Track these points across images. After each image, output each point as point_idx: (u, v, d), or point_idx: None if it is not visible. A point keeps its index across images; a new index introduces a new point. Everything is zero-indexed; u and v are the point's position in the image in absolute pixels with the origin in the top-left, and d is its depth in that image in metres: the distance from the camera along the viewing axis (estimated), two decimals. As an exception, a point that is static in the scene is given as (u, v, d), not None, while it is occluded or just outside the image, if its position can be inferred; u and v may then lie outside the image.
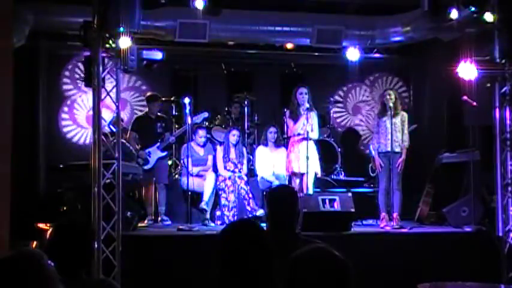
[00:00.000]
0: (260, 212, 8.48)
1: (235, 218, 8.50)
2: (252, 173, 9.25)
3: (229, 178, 8.70)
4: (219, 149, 9.06)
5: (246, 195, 8.63)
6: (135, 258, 6.77)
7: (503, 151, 7.61)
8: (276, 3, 9.35)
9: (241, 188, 8.65)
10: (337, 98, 11.55)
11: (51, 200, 8.78)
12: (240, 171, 8.85)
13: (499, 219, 7.54)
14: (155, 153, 8.87)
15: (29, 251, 2.32)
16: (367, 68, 11.32)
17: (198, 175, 8.82)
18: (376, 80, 11.87)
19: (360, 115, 11.83)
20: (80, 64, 9.82)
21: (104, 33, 6.56)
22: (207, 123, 9.85)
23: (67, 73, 10.74)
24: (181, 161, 8.92)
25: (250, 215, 8.51)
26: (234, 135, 8.95)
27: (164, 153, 8.99)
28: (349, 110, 11.81)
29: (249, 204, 8.58)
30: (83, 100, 10.68)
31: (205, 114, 9.32)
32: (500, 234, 7.51)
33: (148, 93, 9.45)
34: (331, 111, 10.83)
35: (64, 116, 10.75)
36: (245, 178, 8.81)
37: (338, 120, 11.59)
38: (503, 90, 7.61)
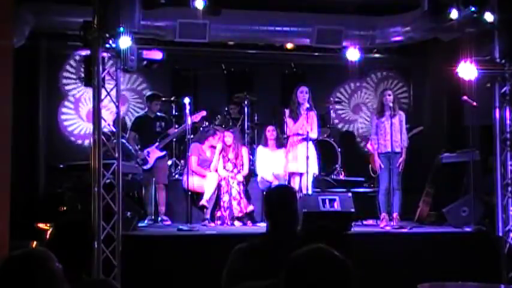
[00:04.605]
0: (250, 208, 8.54)
1: (228, 218, 8.52)
2: (252, 173, 9.25)
3: (224, 178, 8.72)
4: (219, 150, 9.07)
5: (237, 195, 8.63)
6: (135, 258, 6.77)
7: (503, 151, 7.61)
8: (276, 3, 9.35)
9: (232, 187, 8.65)
10: (338, 97, 11.56)
11: (51, 200, 8.79)
12: (239, 172, 8.85)
13: (499, 219, 7.54)
14: (154, 153, 8.87)
15: (36, 251, 2.32)
16: (367, 67, 11.32)
17: (199, 174, 8.83)
18: (382, 81, 11.84)
19: (360, 114, 11.81)
20: (78, 63, 9.88)
21: (104, 33, 6.56)
22: (207, 123, 9.85)
23: (67, 73, 10.74)
24: (187, 157, 8.88)
25: (239, 214, 8.52)
26: (226, 136, 8.95)
27: (163, 153, 8.99)
28: (350, 108, 11.79)
29: (238, 204, 8.58)
30: (85, 99, 10.68)
31: (203, 113, 9.32)
32: (500, 234, 7.51)
33: (149, 93, 9.45)
34: (331, 111, 10.82)
35: (66, 109, 10.74)
36: (239, 178, 8.80)
37: (340, 115, 11.58)
38: (503, 90, 7.61)
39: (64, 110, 10.73)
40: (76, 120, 10.77)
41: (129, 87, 10.98)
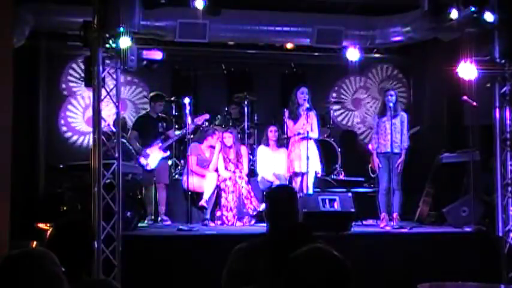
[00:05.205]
0: (263, 207, 8.53)
1: (235, 218, 8.52)
2: (252, 173, 9.25)
3: (230, 178, 8.71)
4: (218, 150, 9.06)
5: (247, 194, 8.63)
6: (135, 258, 6.77)
7: (503, 151, 7.61)
8: (276, 3, 9.35)
9: (242, 187, 8.65)
10: (335, 96, 11.55)
11: (51, 200, 8.78)
12: (240, 172, 8.85)
13: (499, 219, 7.54)
14: (157, 155, 8.85)
15: (35, 251, 2.32)
16: (367, 66, 11.32)
17: (198, 174, 8.84)
18: (371, 71, 11.83)
19: (360, 108, 11.79)
20: (80, 64, 9.87)
21: (104, 33, 6.56)
22: (207, 123, 9.86)
23: (68, 73, 10.74)
24: (187, 157, 8.90)
25: (249, 215, 8.53)
26: (225, 138, 8.95)
27: (167, 154, 8.98)
28: (349, 107, 11.78)
29: (251, 203, 8.59)
30: (83, 99, 10.67)
31: (207, 116, 9.32)
32: (500, 234, 7.52)
33: (153, 93, 9.44)
34: (331, 111, 10.83)
35: (67, 112, 10.75)
36: (245, 178, 8.81)
37: (339, 118, 11.58)
38: (503, 90, 7.61)
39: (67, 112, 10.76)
40: (77, 121, 10.78)
41: (129, 98, 10.99)
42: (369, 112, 11.57)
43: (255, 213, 8.56)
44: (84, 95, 10.55)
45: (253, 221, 8.56)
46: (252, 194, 8.67)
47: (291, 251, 2.07)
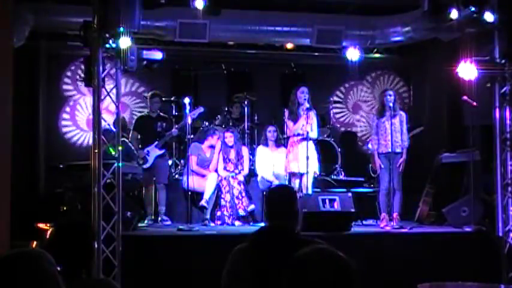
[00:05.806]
0: (251, 207, 8.54)
1: (231, 217, 8.53)
2: (252, 172, 9.26)
3: (225, 178, 8.72)
4: (218, 150, 9.07)
5: (238, 195, 8.63)
6: (135, 258, 6.77)
7: (503, 151, 7.61)
8: (276, 3, 9.35)
9: (233, 187, 8.65)
10: (336, 98, 11.57)
11: (51, 200, 8.79)
12: (239, 172, 8.85)
13: (499, 219, 7.54)
14: (153, 152, 8.88)
15: (30, 251, 2.32)
16: (367, 67, 11.33)
17: (199, 174, 8.84)
18: (378, 78, 11.88)
19: (359, 113, 11.83)
20: (80, 64, 9.87)
21: (104, 33, 6.56)
22: (207, 123, 9.86)
23: (67, 73, 10.75)
24: (187, 157, 8.90)
25: (239, 215, 8.53)
26: (226, 137, 8.95)
27: (162, 151, 8.98)
28: (349, 108, 11.81)
29: (242, 203, 8.59)
30: (85, 101, 10.67)
31: (201, 109, 9.31)
32: (500, 234, 7.52)
33: (150, 92, 9.46)
34: (331, 111, 10.83)
35: (65, 116, 10.75)
36: (240, 178, 8.80)
37: (338, 119, 11.59)
38: (503, 90, 7.61)
39: (65, 115, 10.76)
40: (76, 123, 10.79)
41: (129, 91, 10.99)
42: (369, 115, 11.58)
43: (244, 213, 8.56)
44: (85, 99, 10.56)
45: (249, 223, 8.56)
46: (244, 194, 8.67)
47: (277, 253, 2.07)
